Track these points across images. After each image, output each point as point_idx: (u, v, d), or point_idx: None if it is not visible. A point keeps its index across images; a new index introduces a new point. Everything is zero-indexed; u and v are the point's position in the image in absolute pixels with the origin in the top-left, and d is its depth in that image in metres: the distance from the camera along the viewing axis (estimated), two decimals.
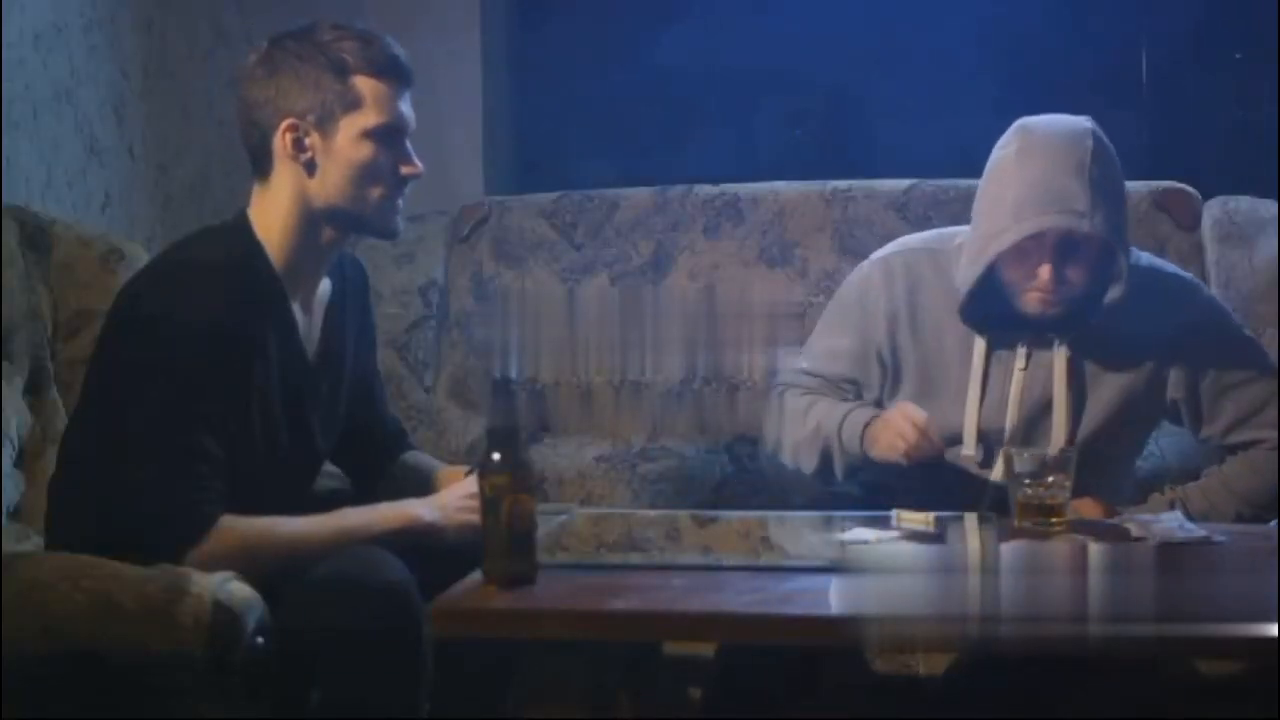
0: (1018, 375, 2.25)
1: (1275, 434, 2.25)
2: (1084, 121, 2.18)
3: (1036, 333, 2.24)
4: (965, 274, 2.21)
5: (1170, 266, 2.38)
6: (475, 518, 1.80)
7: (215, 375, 1.89)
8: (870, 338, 2.33)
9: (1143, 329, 2.21)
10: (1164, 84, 3.46)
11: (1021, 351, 2.25)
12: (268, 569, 1.85)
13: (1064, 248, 2.13)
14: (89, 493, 1.92)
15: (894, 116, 3.54)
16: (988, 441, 2.25)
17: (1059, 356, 2.24)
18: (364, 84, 1.97)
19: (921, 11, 3.43)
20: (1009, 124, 2.25)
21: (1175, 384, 2.28)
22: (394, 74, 2.00)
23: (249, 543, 1.88)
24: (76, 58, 2.69)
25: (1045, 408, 2.26)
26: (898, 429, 2.18)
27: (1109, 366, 2.26)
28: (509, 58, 3.63)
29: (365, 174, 1.99)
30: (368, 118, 1.98)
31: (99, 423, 1.95)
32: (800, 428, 2.35)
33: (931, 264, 2.31)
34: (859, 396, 2.37)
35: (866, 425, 2.25)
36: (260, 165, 2.01)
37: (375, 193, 2.00)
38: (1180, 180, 2.88)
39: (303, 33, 1.99)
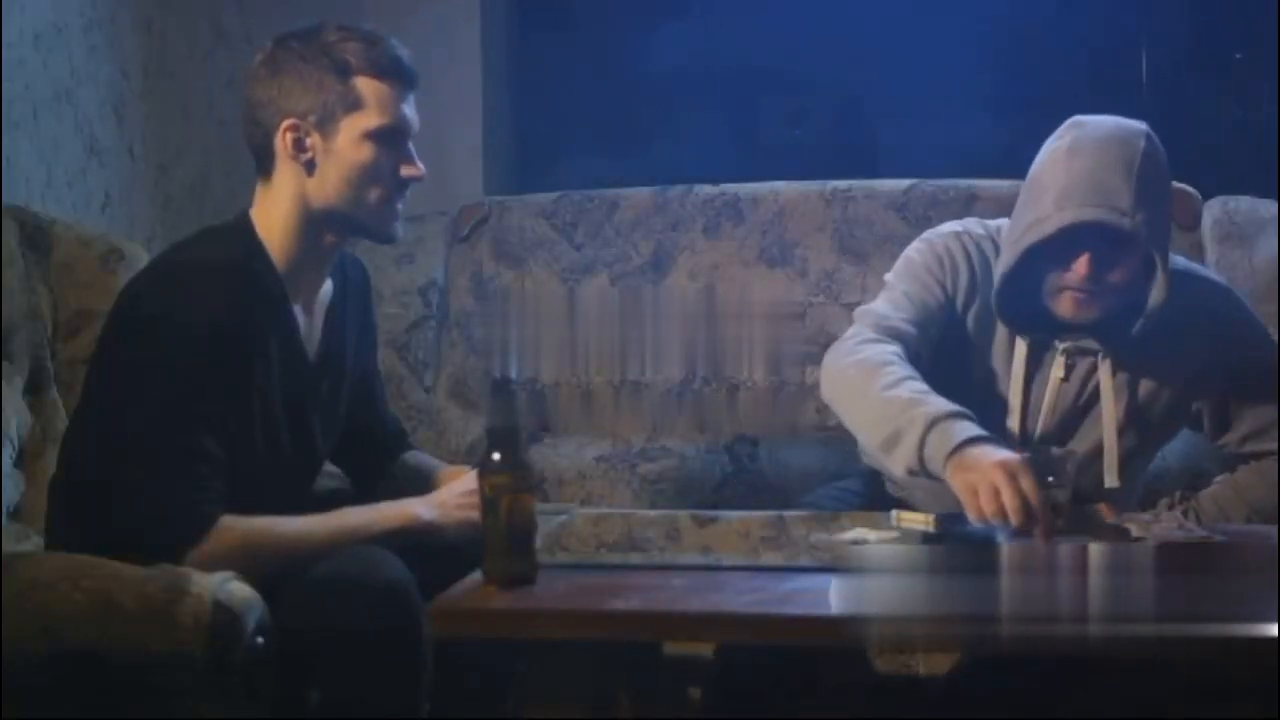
0: (1054, 384, 2.22)
1: None
2: (1138, 124, 2.16)
3: (1074, 338, 2.20)
4: (1001, 261, 2.18)
5: (1203, 269, 2.35)
6: (474, 514, 1.80)
7: (216, 376, 1.89)
8: (950, 294, 2.24)
9: (1180, 336, 2.17)
10: (1164, 84, 3.46)
11: (1061, 360, 2.22)
12: (268, 569, 1.85)
13: (1103, 248, 2.10)
14: (89, 493, 1.92)
15: (894, 116, 3.55)
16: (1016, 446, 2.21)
17: (1104, 369, 2.20)
18: (366, 85, 1.97)
19: (921, 11, 3.43)
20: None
21: (1204, 391, 2.25)
22: (397, 75, 2.00)
23: (249, 543, 1.88)
24: (76, 58, 2.68)
25: (1076, 416, 2.23)
26: (997, 480, 1.85)
27: (1146, 376, 2.22)
28: (509, 58, 3.63)
29: (364, 175, 1.99)
30: (369, 119, 1.98)
31: (99, 423, 1.95)
32: (880, 378, 2.04)
33: (993, 250, 2.26)
34: (917, 350, 2.17)
35: (961, 446, 1.92)
36: (263, 165, 2.01)
37: (374, 194, 2.00)
38: (1180, 180, 2.87)
39: (307, 33, 1.99)
